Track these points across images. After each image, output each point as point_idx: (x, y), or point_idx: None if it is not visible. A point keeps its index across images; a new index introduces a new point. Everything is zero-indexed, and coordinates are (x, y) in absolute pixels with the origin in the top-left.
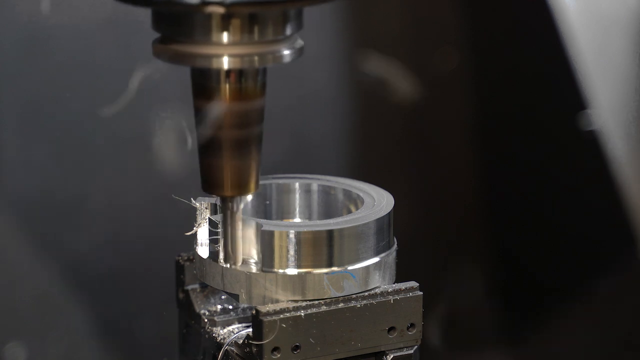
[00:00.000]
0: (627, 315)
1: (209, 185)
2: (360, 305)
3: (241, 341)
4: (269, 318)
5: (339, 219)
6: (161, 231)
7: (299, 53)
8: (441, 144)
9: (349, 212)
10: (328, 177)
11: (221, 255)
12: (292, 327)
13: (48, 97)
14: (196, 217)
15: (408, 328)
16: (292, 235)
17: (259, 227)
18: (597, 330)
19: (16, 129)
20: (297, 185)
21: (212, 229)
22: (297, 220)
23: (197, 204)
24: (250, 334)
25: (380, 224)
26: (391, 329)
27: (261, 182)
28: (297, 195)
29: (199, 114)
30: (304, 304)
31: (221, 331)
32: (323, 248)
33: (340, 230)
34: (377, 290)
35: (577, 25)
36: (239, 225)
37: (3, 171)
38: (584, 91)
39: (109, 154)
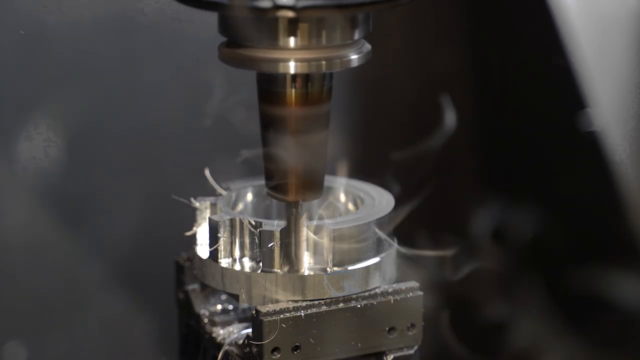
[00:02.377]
0: (627, 315)
1: (274, 189)
2: (361, 305)
3: (241, 341)
4: (269, 318)
5: (339, 219)
6: (161, 231)
7: (366, 57)
8: (441, 144)
9: (349, 212)
10: (328, 177)
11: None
12: (292, 327)
13: (48, 97)
14: (196, 217)
15: (408, 328)
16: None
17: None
18: (596, 330)
19: (16, 129)
20: None
21: (212, 230)
22: None
23: (197, 204)
24: (250, 334)
25: (381, 224)
26: (391, 329)
27: (261, 182)
28: None
29: (265, 118)
30: (304, 304)
31: (221, 331)
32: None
33: (340, 230)
34: (378, 290)
35: (577, 25)
36: (304, 230)
37: (3, 171)
38: (584, 91)
39: (109, 154)
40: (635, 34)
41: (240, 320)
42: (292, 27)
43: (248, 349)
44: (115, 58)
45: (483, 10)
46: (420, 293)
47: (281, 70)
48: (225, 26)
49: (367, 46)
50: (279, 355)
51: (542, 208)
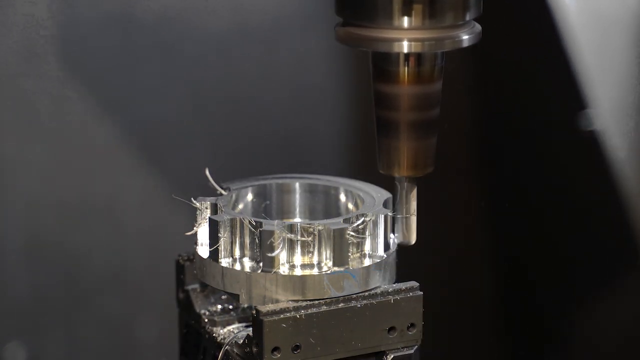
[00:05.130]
0: (628, 317)
1: (385, 165)
2: (361, 305)
3: (241, 341)
4: (269, 318)
5: (339, 219)
6: (161, 231)
7: (477, 37)
8: (441, 144)
9: (349, 211)
10: (328, 177)
11: (395, 236)
12: (292, 327)
13: (48, 97)
14: (196, 217)
15: (408, 328)
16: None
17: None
18: (596, 331)
19: (16, 129)
20: (297, 185)
21: (212, 229)
22: (297, 220)
23: (197, 204)
24: (250, 333)
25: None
26: (391, 328)
27: (261, 182)
28: (297, 195)
29: (378, 96)
30: (304, 304)
31: (221, 331)
32: None
33: (340, 230)
34: (378, 290)
35: (577, 25)
36: (414, 204)
37: (3, 171)
38: (584, 91)
39: (109, 154)
40: (635, 34)
41: (240, 320)
42: (407, 8)
43: (248, 349)
44: (116, 57)
45: (483, 9)
46: (420, 293)
47: (395, 49)
48: (342, 7)
49: (478, 27)
50: (279, 355)
51: (540, 207)
